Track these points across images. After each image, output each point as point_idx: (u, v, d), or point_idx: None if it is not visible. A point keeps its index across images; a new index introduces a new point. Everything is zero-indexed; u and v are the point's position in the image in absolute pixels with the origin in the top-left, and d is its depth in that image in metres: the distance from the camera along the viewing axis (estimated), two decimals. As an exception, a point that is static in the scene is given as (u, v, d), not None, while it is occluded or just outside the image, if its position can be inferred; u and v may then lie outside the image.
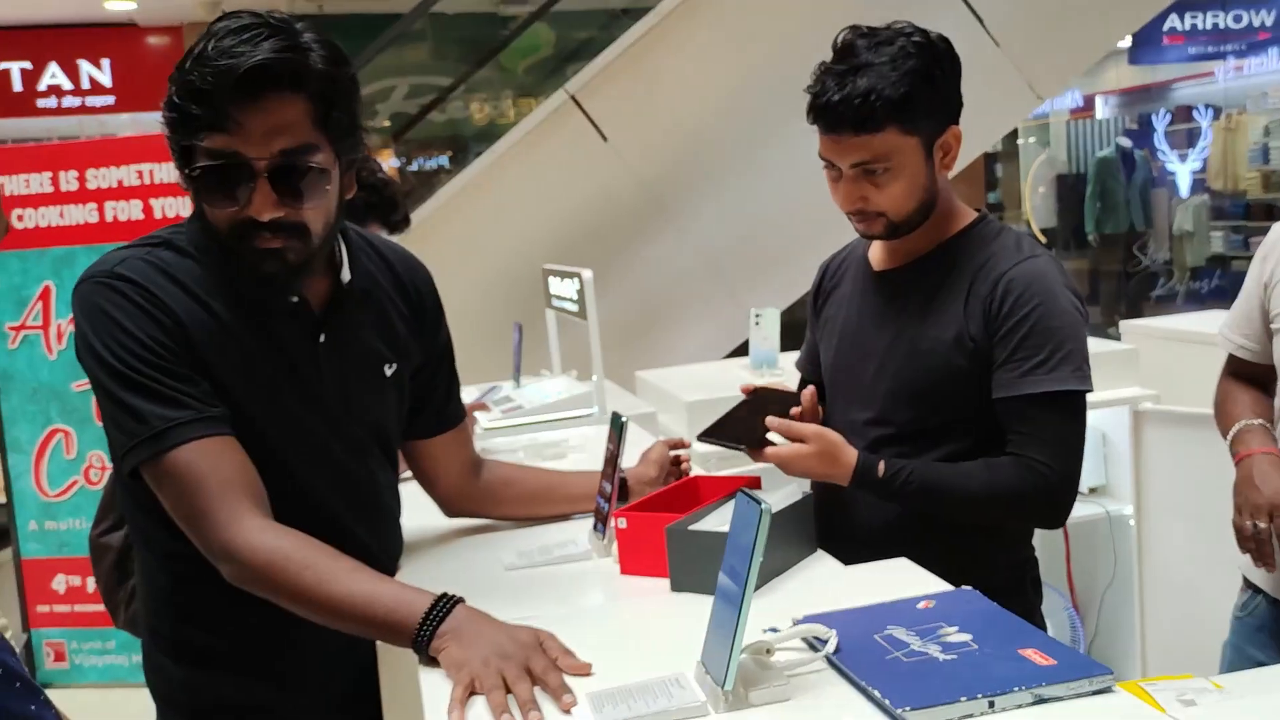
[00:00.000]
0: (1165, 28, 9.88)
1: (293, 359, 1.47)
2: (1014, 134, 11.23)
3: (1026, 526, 1.82)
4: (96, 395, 1.41)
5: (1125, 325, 3.74)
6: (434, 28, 7.76)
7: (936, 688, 1.09)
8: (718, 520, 1.53)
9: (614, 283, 4.52)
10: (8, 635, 1.62)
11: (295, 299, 1.46)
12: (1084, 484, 3.09)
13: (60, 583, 3.95)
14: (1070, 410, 1.66)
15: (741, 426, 1.69)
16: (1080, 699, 1.09)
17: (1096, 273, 10.31)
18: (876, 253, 1.85)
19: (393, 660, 1.38)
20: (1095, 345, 3.27)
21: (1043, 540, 3.37)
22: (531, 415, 2.74)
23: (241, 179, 1.34)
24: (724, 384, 3.11)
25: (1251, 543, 1.75)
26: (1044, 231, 10.88)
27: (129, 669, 3.80)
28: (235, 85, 1.29)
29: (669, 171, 4.60)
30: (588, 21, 6.64)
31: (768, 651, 1.18)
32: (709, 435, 1.71)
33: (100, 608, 2.09)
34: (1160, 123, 10.73)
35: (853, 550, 1.71)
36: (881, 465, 1.65)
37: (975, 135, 4.84)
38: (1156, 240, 10.22)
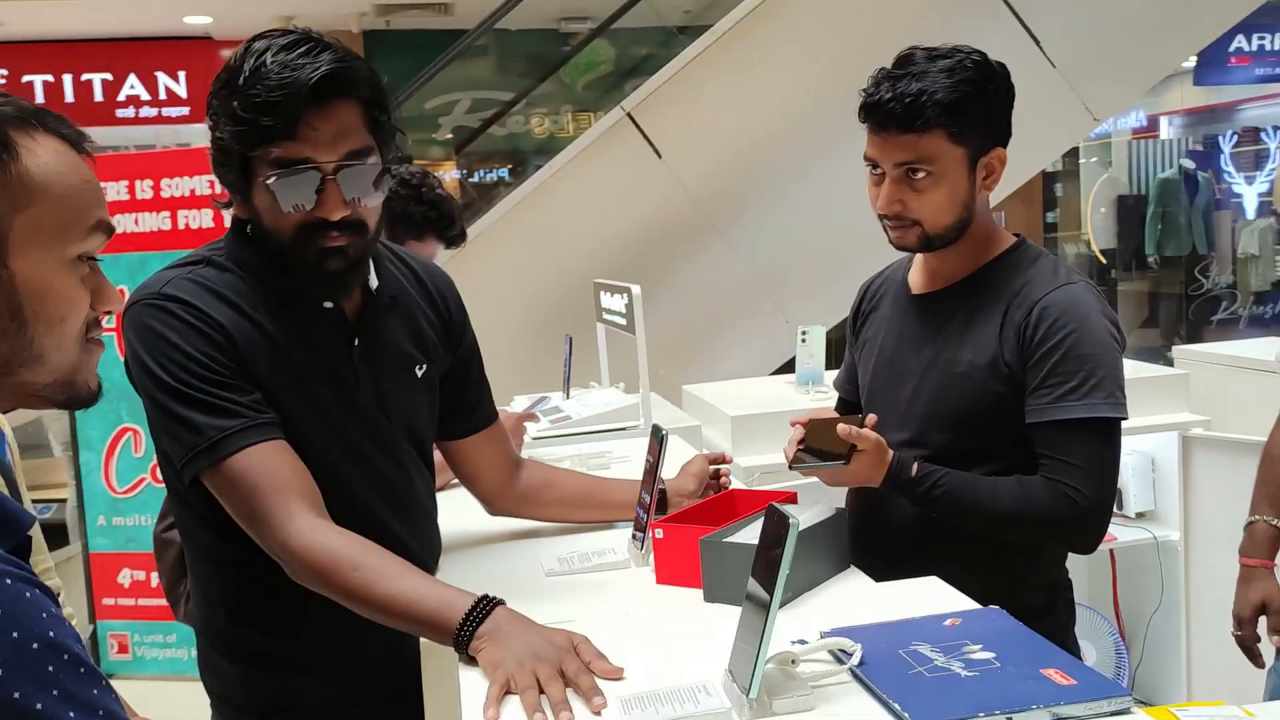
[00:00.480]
0: (1231, 48, 9.70)
1: (331, 364, 1.54)
2: (1075, 153, 11.08)
3: (1056, 548, 1.83)
4: (150, 412, 1.48)
5: (1179, 350, 3.72)
6: (497, 44, 7.90)
7: (955, 703, 1.12)
8: (752, 534, 1.56)
9: (665, 297, 4.57)
10: (73, 624, 1.70)
11: (330, 305, 1.54)
12: (1132, 509, 3.11)
13: (125, 577, 4.08)
14: (1103, 437, 1.67)
15: (822, 446, 1.70)
16: (1098, 719, 1.11)
17: (1157, 295, 10.14)
18: (916, 276, 1.87)
19: (435, 659, 1.44)
20: (1146, 370, 3.27)
21: (1090, 564, 3.37)
22: (578, 426, 2.80)
23: (313, 182, 1.42)
24: (768, 400, 3.16)
25: (1241, 644, 1.96)
26: (1104, 252, 10.73)
27: (188, 662, 3.92)
28: (309, 94, 1.38)
29: (722, 189, 4.65)
30: (647, 39, 6.72)
31: (793, 662, 1.22)
32: (797, 465, 1.71)
33: (162, 602, 2.17)
34: (1227, 144, 10.53)
35: (885, 565, 1.73)
36: (915, 466, 1.68)
37: (1030, 156, 4.83)
38: (1220, 263, 10.03)
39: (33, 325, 0.95)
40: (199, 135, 7.94)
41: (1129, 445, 3.16)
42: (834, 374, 2.21)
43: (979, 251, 1.79)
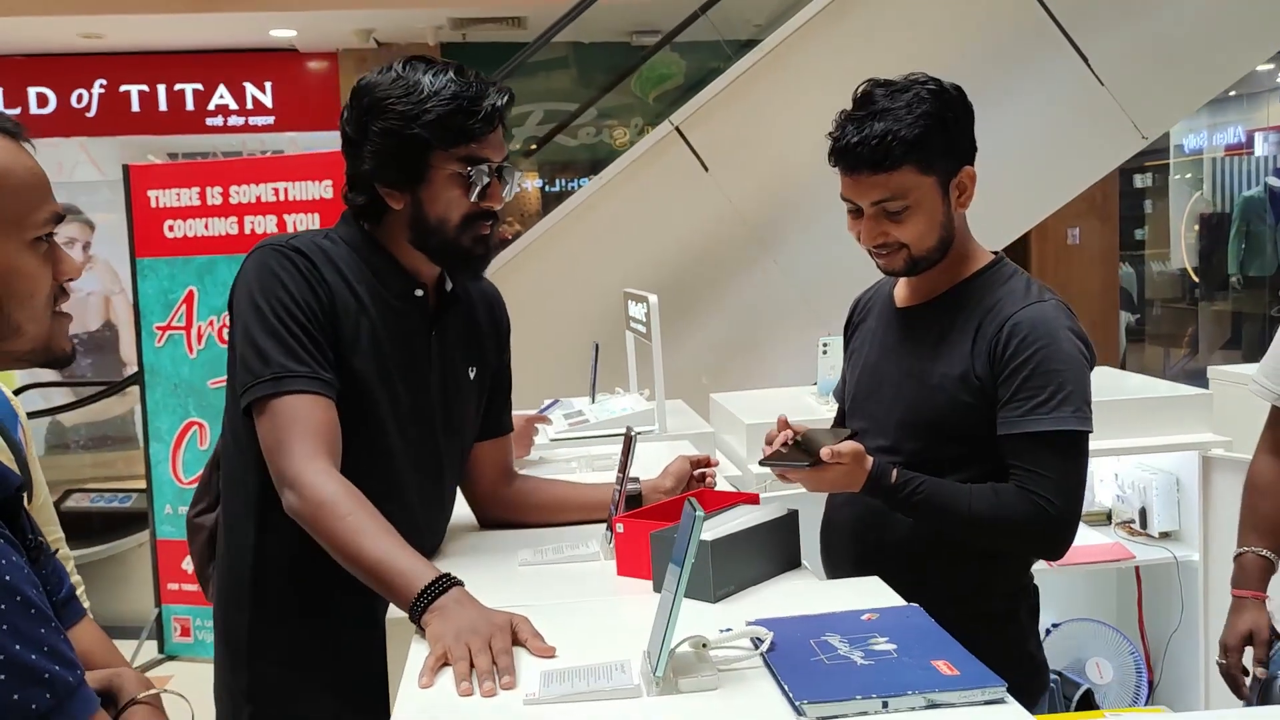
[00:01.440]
0: (1322, 62, 9.39)
1: (412, 348, 1.73)
2: (1165, 170, 10.83)
3: (1025, 555, 1.88)
4: (235, 339, 1.65)
5: (1214, 370, 3.69)
6: (569, 56, 8.08)
7: (840, 686, 1.20)
8: (707, 530, 1.66)
9: (710, 309, 4.67)
10: (80, 592, 1.84)
11: (420, 294, 1.73)
12: (1155, 528, 3.10)
13: (189, 563, 4.29)
14: (1071, 449, 1.72)
15: (805, 452, 1.77)
16: (971, 707, 1.18)
17: (1239, 316, 9.85)
18: (900, 290, 1.95)
19: (399, 630, 1.56)
20: (1171, 389, 3.26)
21: (1118, 584, 3.35)
22: (594, 429, 2.92)
23: (491, 176, 1.67)
24: (787, 409, 3.22)
25: (1224, 672, 1.97)
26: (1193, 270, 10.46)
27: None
28: (505, 107, 1.67)
29: (767, 204, 4.72)
30: (715, 53, 6.82)
31: (704, 645, 1.31)
32: (768, 462, 1.79)
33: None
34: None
35: (853, 567, 1.81)
36: (894, 473, 1.74)
37: (1077, 172, 4.80)
38: (1310, 285, 9.69)
39: (6, 304, 1.09)
40: (284, 143, 8.29)
41: (1154, 464, 3.16)
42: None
43: (957, 268, 1.85)
